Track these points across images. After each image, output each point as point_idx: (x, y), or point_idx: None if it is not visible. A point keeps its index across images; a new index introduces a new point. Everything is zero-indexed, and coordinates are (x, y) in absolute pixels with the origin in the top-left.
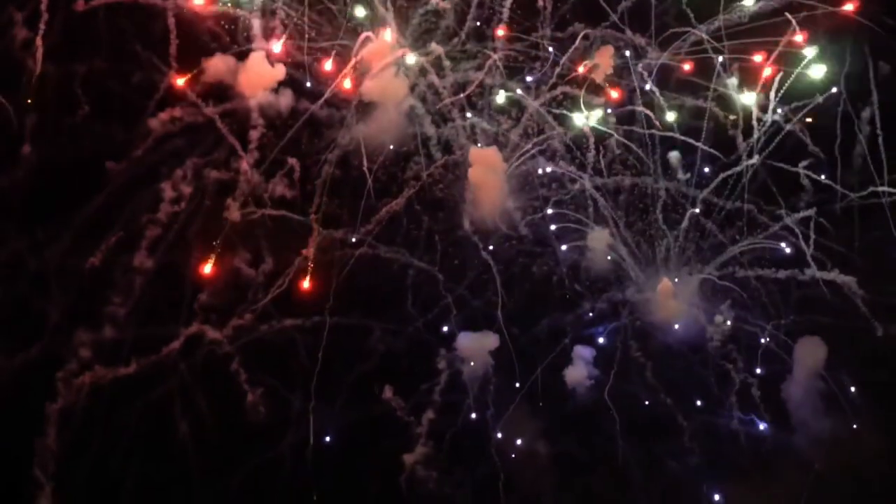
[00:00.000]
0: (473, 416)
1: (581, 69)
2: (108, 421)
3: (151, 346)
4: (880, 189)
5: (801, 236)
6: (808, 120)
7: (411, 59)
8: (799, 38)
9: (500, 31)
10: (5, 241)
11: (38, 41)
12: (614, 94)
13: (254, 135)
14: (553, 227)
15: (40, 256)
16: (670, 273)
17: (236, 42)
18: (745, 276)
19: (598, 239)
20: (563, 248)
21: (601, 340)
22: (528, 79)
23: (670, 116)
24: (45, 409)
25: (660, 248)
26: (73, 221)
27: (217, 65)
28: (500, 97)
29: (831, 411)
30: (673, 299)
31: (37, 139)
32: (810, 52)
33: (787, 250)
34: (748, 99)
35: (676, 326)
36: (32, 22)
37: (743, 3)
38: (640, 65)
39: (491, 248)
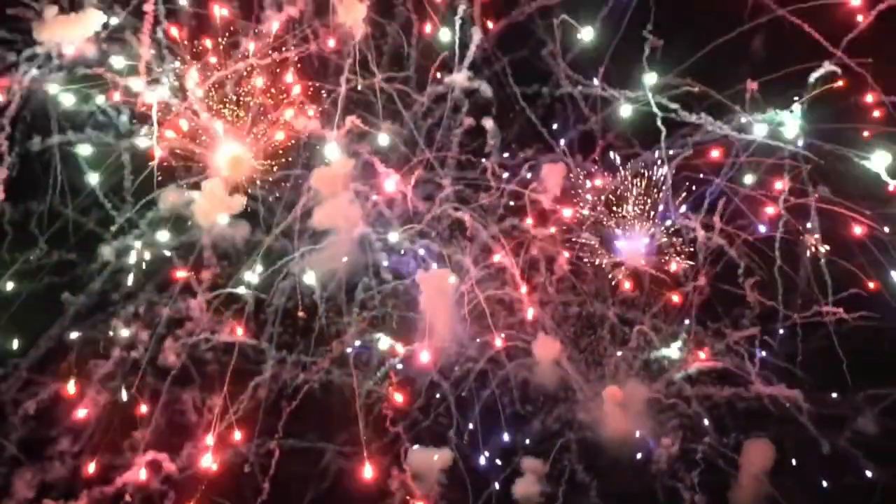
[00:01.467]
0: None
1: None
2: None
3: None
4: (824, 310)
5: (745, 354)
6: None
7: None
8: None
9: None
10: None
11: None
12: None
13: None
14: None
15: None
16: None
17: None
18: (691, 394)
19: (547, 349)
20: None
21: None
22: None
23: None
24: None
25: (608, 364)
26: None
27: (172, 197)
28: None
29: None
30: (620, 408)
31: None
32: None
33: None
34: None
35: (624, 442)
36: None
37: None
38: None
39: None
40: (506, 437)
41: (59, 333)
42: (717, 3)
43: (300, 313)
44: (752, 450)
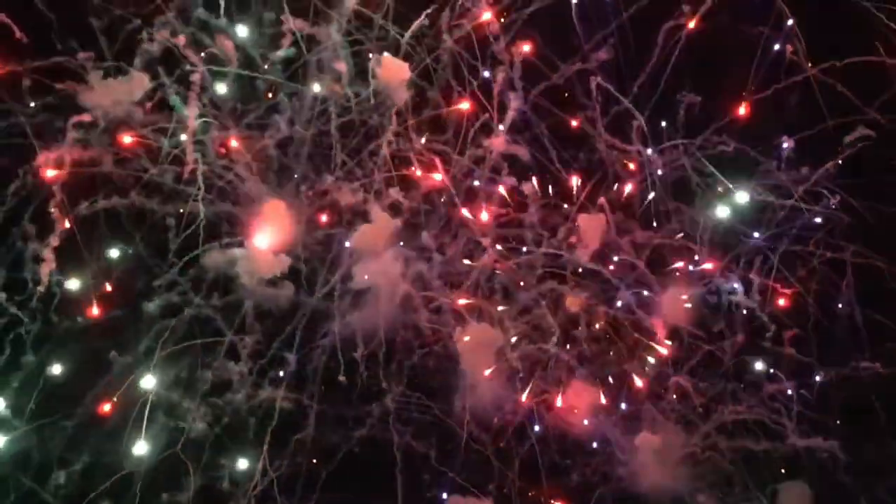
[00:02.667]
0: None
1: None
2: None
3: None
4: (862, 365)
5: (783, 409)
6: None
7: None
8: None
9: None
10: None
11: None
12: None
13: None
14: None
15: None
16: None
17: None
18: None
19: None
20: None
21: None
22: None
23: None
24: None
25: (644, 417)
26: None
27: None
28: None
29: None
30: (655, 457)
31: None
32: None
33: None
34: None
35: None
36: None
37: None
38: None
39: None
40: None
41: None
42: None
43: (341, 378)
44: (787, 492)
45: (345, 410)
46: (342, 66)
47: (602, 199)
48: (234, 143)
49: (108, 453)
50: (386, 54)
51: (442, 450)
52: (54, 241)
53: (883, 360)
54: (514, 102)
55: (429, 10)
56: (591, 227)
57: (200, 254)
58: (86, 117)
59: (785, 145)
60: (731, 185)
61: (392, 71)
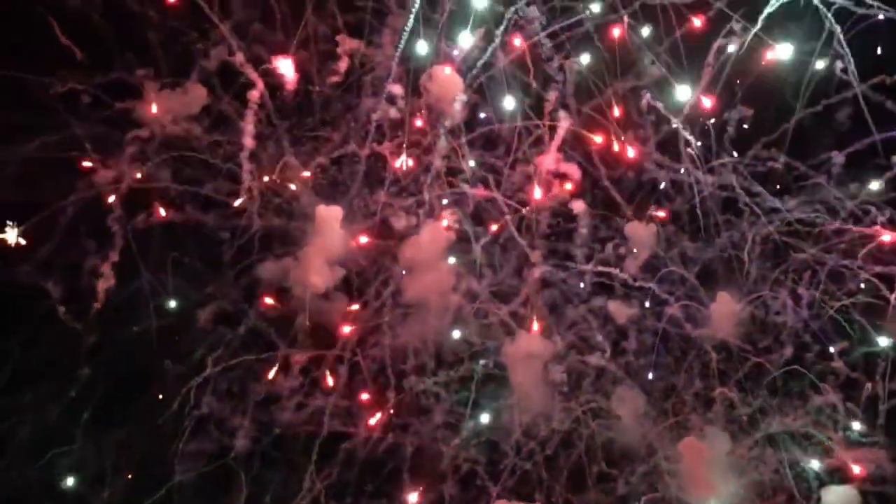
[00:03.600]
0: None
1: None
2: None
3: None
4: None
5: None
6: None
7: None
8: None
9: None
10: None
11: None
12: None
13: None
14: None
15: None
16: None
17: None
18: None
19: (626, 402)
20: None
21: None
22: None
23: None
24: None
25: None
26: None
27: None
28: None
29: None
30: (700, 462)
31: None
32: None
33: None
34: None
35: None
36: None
37: None
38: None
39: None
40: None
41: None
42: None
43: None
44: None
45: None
46: (397, 88)
47: (651, 211)
48: (289, 159)
49: (159, 463)
50: (438, 67)
51: (490, 460)
52: (113, 256)
53: None
54: (565, 121)
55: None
56: (641, 236)
57: (254, 265)
58: (143, 133)
59: (834, 161)
60: (779, 202)
61: (444, 85)
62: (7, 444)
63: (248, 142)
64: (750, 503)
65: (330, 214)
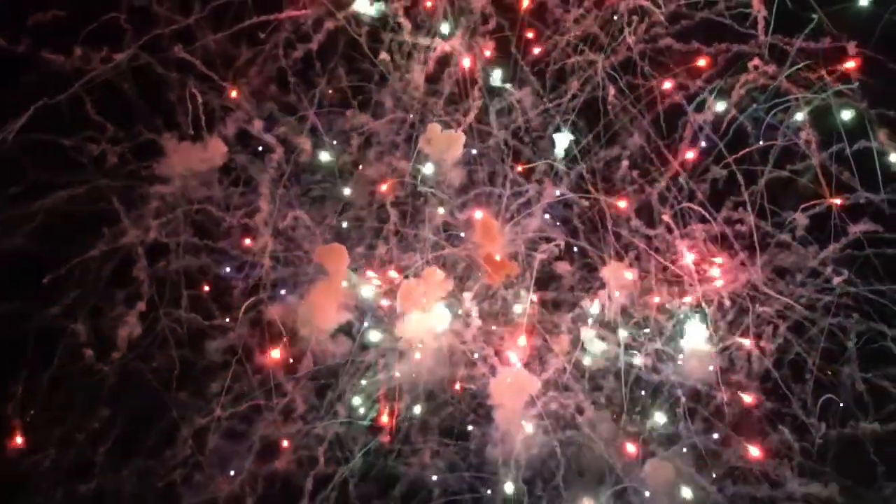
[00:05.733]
0: None
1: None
2: None
3: None
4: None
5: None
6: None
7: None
8: None
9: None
10: None
11: None
12: None
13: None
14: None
15: None
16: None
17: None
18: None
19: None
20: None
21: None
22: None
23: None
24: None
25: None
26: None
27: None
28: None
29: None
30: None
31: None
32: None
33: None
34: None
35: None
36: None
37: None
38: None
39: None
40: None
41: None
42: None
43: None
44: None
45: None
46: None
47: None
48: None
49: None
50: (435, 124)
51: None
52: (141, 306)
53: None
54: (550, 189)
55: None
56: (618, 279)
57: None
58: (166, 189)
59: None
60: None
61: (443, 144)
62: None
63: (265, 207)
64: None
65: (332, 251)
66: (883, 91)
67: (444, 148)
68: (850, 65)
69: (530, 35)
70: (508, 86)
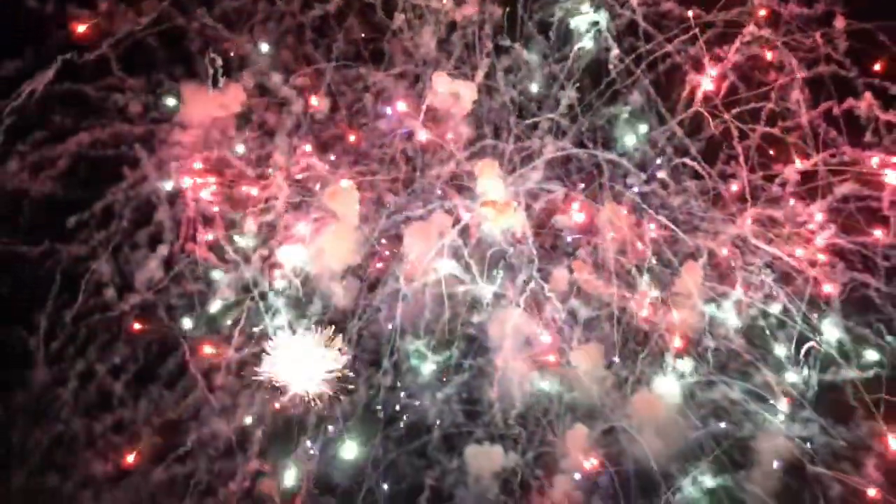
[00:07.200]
0: None
1: None
2: None
3: None
4: None
5: None
6: None
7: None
8: None
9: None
10: None
11: None
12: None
13: None
14: None
15: None
16: None
17: None
18: None
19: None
20: None
21: None
22: None
23: None
24: None
25: None
26: None
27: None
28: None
29: None
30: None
31: None
32: None
33: None
34: None
35: None
36: None
37: None
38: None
39: None
40: None
41: None
42: None
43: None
44: None
45: None
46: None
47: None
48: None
49: None
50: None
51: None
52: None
53: None
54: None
55: None
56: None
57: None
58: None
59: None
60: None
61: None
62: None
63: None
64: None
65: (342, 192)
66: None
67: (453, 101)
68: None
69: None
70: (516, 44)
